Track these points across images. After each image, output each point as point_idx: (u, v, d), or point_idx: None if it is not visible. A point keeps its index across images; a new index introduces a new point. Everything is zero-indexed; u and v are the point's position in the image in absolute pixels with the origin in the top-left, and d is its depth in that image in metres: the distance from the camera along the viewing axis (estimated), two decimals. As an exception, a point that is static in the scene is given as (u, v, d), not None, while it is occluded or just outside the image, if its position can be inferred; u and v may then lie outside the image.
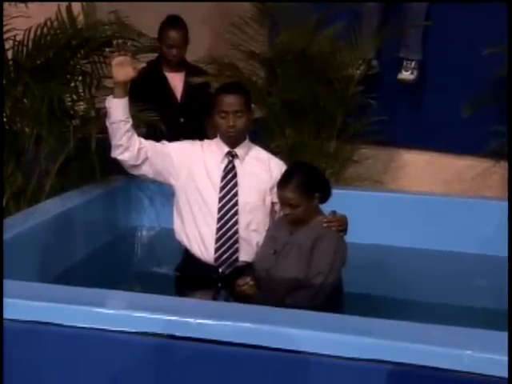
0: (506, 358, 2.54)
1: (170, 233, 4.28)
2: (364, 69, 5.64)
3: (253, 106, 4.16)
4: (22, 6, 4.73)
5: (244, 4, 5.84)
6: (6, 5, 4.71)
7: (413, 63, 5.86)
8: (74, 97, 5.01)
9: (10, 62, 4.76)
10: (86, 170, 4.90)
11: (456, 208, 4.97)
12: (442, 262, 4.80)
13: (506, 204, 4.65)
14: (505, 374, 2.53)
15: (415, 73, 5.87)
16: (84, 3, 5.03)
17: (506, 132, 5.21)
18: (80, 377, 2.95)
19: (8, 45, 4.77)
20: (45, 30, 4.79)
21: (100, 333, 2.89)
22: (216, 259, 4.03)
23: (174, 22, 5.31)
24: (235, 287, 3.82)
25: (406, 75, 5.87)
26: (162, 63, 5.38)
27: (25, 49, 4.78)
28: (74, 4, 4.98)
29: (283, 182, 3.76)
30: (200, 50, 5.71)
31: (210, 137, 4.40)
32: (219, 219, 4.02)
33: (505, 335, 2.66)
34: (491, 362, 2.61)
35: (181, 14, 5.42)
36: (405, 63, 5.88)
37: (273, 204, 4.09)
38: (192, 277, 4.17)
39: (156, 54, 5.43)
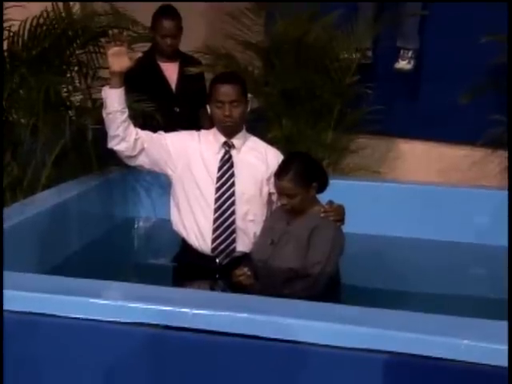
0: (503, 347, 2.55)
1: (166, 223, 4.28)
2: (359, 58, 5.62)
3: (250, 96, 4.14)
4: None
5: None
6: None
7: (410, 52, 5.84)
8: (70, 87, 5.00)
9: (6, 53, 4.75)
10: (82, 161, 4.90)
11: (453, 197, 4.97)
12: (440, 252, 4.81)
13: (503, 193, 4.66)
14: (502, 362, 2.53)
15: (412, 62, 5.86)
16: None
17: (504, 121, 5.21)
18: (76, 367, 2.95)
19: (3, 36, 4.75)
20: (40, 20, 4.78)
21: (96, 323, 2.89)
22: (213, 249, 4.03)
23: (167, 12, 5.29)
24: (232, 277, 3.81)
25: (403, 64, 5.85)
26: (156, 53, 5.36)
27: (20, 40, 4.77)
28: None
29: (280, 172, 3.76)
30: (197, 41, 5.69)
31: (205, 127, 4.39)
32: (216, 209, 4.02)
33: (502, 324, 2.66)
34: (489, 351, 2.61)
35: (177, 4, 5.39)
36: (402, 52, 5.86)
37: (270, 194, 4.08)
38: (189, 267, 4.17)
39: (150, 44, 5.42)
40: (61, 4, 4.89)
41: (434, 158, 6.07)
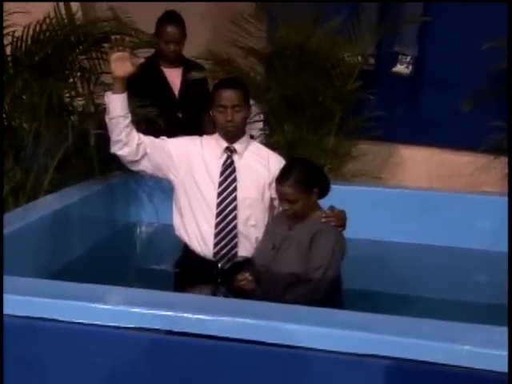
0: (504, 353, 2.54)
1: (169, 228, 4.28)
2: (361, 63, 5.62)
3: (252, 102, 4.14)
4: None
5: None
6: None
7: (408, 58, 5.84)
8: (73, 93, 5.01)
9: (9, 58, 4.76)
10: (84, 166, 4.90)
11: (455, 203, 4.97)
12: (441, 257, 4.81)
13: (505, 199, 4.65)
14: (503, 368, 2.53)
15: (410, 67, 5.85)
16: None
17: (505, 127, 5.21)
18: (77, 372, 2.95)
19: (7, 41, 4.77)
20: (43, 26, 4.79)
21: (98, 328, 2.89)
22: (215, 254, 4.04)
23: (171, 18, 5.30)
24: (234, 282, 3.80)
25: (401, 68, 5.83)
26: (160, 59, 5.38)
27: (24, 45, 4.78)
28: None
29: (282, 178, 3.76)
30: (199, 46, 5.70)
31: (208, 132, 4.40)
32: (218, 214, 4.03)
33: (503, 330, 2.66)
34: (489, 356, 2.62)
35: (180, 9, 5.41)
36: (400, 57, 5.86)
37: (272, 199, 4.09)
38: (191, 272, 4.17)
39: (153, 50, 5.43)
40: (63, 10, 4.90)
41: (436, 164, 6.07)
